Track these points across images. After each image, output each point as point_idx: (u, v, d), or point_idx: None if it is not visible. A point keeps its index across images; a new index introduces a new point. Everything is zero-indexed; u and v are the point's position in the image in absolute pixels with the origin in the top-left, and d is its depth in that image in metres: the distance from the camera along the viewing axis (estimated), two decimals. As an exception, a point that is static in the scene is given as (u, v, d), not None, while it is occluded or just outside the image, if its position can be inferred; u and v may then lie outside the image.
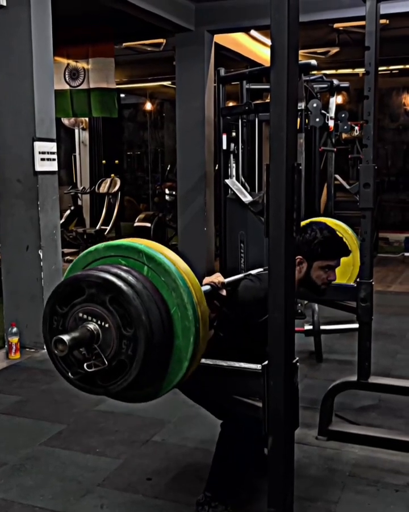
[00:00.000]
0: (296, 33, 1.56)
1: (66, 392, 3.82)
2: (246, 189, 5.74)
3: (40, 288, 4.63)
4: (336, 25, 8.04)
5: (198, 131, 7.10)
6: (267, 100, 6.50)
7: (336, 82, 6.36)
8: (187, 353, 1.66)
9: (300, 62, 5.90)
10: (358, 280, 2.98)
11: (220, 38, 7.40)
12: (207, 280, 2.03)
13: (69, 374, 1.67)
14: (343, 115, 6.59)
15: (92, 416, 3.45)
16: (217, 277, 2.06)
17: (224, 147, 6.03)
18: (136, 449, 3.05)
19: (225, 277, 2.18)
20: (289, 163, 1.53)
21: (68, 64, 8.11)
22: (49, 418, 3.44)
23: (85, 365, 1.61)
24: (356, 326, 3.32)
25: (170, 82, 10.85)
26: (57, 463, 2.91)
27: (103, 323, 1.61)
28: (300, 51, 9.86)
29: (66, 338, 1.54)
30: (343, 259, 2.55)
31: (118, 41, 8.13)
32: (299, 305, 5.25)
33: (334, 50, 9.27)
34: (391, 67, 10.14)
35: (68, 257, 8.75)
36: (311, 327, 4.49)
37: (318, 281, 2.46)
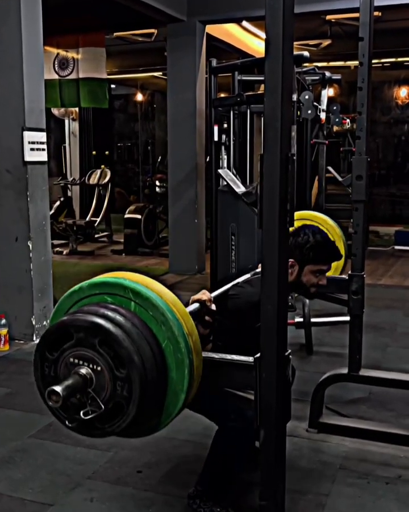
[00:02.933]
0: (291, 22, 1.54)
1: (55, 384, 3.80)
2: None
3: (29, 279, 4.60)
4: (328, 17, 8.01)
5: (189, 123, 7.06)
6: (259, 92, 6.47)
7: (328, 74, 6.34)
8: (182, 385, 1.65)
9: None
10: (349, 272, 2.97)
11: (211, 29, 7.35)
12: (193, 298, 2.01)
13: (66, 422, 1.66)
14: (335, 107, 6.58)
15: (82, 409, 3.43)
16: (204, 294, 2.04)
17: (216, 138, 5.99)
18: (126, 442, 3.02)
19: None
20: (283, 153, 1.51)
21: (58, 54, 8.03)
22: (38, 410, 3.40)
23: (82, 412, 1.59)
24: (347, 318, 3.32)
25: (161, 73, 10.79)
26: (46, 456, 2.89)
27: (95, 367, 1.59)
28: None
29: (59, 388, 1.53)
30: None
31: (109, 30, 8.06)
32: (290, 297, 5.25)
33: (326, 42, 9.24)
34: (383, 60, 10.12)
35: (58, 248, 8.71)
36: (301, 319, 4.49)
37: (308, 284, 2.46)
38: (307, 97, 5.35)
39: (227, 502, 2.41)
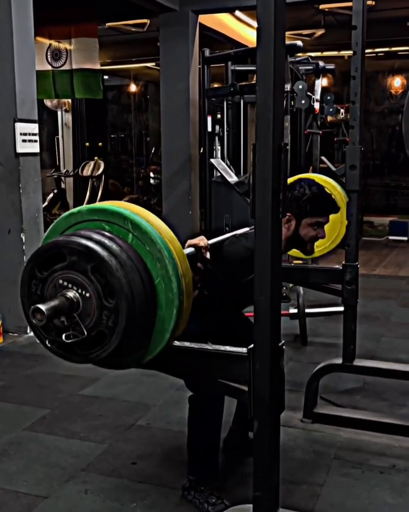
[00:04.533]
0: (282, 11, 1.52)
1: (49, 377, 3.80)
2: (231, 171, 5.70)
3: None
4: (321, 7, 7.97)
5: (183, 114, 7.02)
6: (253, 82, 6.44)
7: (321, 63, 6.31)
8: (169, 325, 1.61)
9: (286, 43, 5.83)
10: (343, 262, 2.96)
11: (204, 19, 7.30)
12: (190, 242, 1.98)
13: (47, 342, 1.61)
14: (328, 97, 6.54)
15: (76, 401, 3.42)
16: (201, 240, 2.00)
17: (209, 129, 5.97)
18: (121, 433, 3.03)
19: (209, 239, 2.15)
20: (275, 142, 1.50)
21: (50, 44, 7.96)
22: (32, 403, 3.41)
23: (63, 336, 1.55)
24: (341, 309, 3.32)
25: (154, 64, 10.71)
26: (40, 448, 2.88)
27: (83, 292, 1.55)
28: (286, 33, 9.80)
29: (44, 307, 1.48)
30: (331, 217, 2.51)
31: (101, 21, 7.99)
32: (284, 288, 5.26)
33: (320, 32, 9.19)
34: (377, 50, 10.08)
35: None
36: (295, 310, 4.49)
37: (306, 238, 2.42)
38: (300, 87, 5.33)
39: (220, 492, 2.42)
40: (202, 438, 2.44)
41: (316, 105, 6.11)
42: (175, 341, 1.73)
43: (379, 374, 3.17)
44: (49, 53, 7.96)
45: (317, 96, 6.19)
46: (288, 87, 5.01)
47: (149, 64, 11.31)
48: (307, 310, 4.55)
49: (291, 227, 2.40)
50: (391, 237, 9.24)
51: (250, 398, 1.62)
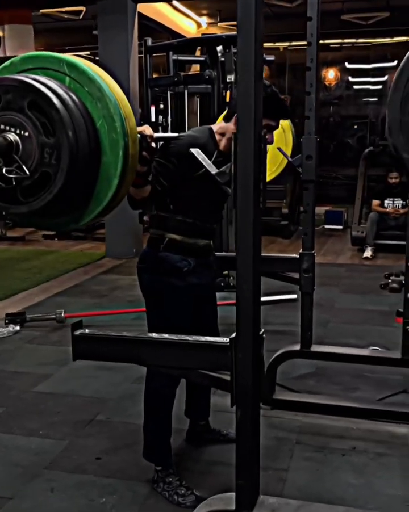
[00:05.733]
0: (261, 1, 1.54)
1: (0, 374, 3.69)
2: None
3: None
4: (258, -2, 8.02)
5: (123, 104, 6.92)
6: (194, 72, 6.42)
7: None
8: (116, 169, 1.55)
9: (226, 34, 5.84)
10: (300, 251, 3.01)
11: (142, 8, 7.21)
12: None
13: None
14: (269, 89, 6.60)
15: (31, 398, 3.34)
16: (147, 128, 1.93)
17: (153, 119, 5.91)
18: (80, 429, 2.98)
19: None
20: (257, 131, 1.50)
21: (-19, 31, 7.69)
22: (-16, 402, 3.30)
23: (4, 170, 1.48)
24: (293, 296, 3.38)
25: (89, 52, 10.51)
26: (-1, 448, 2.80)
27: (22, 132, 1.49)
28: (221, 24, 9.79)
29: None
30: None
31: (36, 7, 7.75)
32: (231, 278, 5.28)
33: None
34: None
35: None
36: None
37: None
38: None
39: (188, 482, 2.43)
40: (153, 417, 2.48)
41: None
42: (154, 334, 1.72)
43: (335, 359, 3.24)
44: (-19, 40, 7.69)
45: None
46: (232, 77, 5.02)
47: (82, 53, 11.08)
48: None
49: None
50: (326, 226, 9.45)
51: (233, 387, 1.63)
